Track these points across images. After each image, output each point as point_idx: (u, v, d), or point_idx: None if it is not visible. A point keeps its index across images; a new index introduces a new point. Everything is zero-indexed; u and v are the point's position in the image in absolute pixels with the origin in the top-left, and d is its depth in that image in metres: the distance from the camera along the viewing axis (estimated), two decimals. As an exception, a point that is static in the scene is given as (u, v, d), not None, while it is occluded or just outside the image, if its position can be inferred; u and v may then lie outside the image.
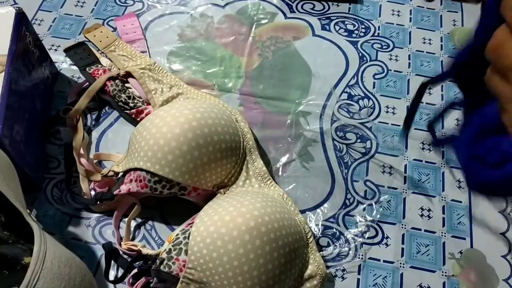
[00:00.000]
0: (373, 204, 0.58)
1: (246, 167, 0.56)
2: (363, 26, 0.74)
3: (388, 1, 0.77)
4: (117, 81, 0.62)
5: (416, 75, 0.69)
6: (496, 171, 0.38)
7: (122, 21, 0.72)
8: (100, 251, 0.53)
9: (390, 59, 0.71)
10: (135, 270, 0.49)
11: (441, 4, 0.78)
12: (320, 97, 0.66)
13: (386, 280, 0.53)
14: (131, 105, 0.62)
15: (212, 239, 0.44)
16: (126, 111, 0.62)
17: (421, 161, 0.62)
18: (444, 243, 0.56)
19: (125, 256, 0.53)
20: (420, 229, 0.56)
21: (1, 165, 0.44)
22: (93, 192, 0.56)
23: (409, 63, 0.71)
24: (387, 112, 0.66)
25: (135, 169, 0.51)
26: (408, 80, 0.69)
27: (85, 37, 0.69)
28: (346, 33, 0.73)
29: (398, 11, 0.76)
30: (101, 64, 0.65)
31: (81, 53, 0.66)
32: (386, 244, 0.55)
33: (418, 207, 0.58)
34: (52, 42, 0.70)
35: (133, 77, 0.63)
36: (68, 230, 0.55)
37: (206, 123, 0.51)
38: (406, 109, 0.66)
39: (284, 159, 0.61)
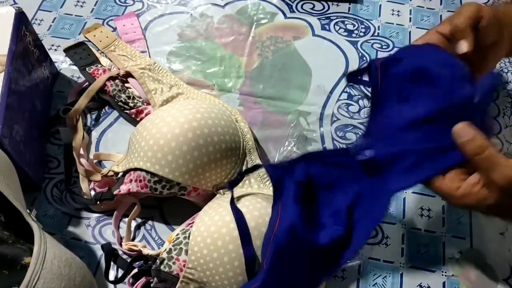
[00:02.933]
0: (373, 204, 0.58)
1: (246, 167, 0.56)
2: (363, 26, 0.74)
3: (388, 1, 0.77)
4: (117, 81, 0.62)
5: (416, 75, 0.69)
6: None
7: (122, 21, 0.72)
8: (100, 251, 0.53)
9: (390, 59, 0.71)
10: (135, 270, 0.49)
11: (441, 4, 0.78)
12: (320, 97, 0.66)
13: (386, 280, 0.53)
14: (131, 105, 0.62)
15: (213, 239, 0.44)
16: (126, 111, 0.62)
17: (421, 161, 0.62)
18: (444, 243, 0.56)
19: (125, 256, 0.53)
20: (420, 229, 0.56)
21: (1, 165, 0.44)
22: (93, 192, 0.56)
23: (409, 63, 0.71)
24: (387, 112, 0.65)
25: (135, 169, 0.51)
26: (408, 80, 0.69)
27: (85, 37, 0.69)
28: (346, 33, 0.73)
29: (398, 11, 0.76)
30: (101, 64, 0.65)
31: (81, 53, 0.66)
32: (386, 244, 0.55)
33: (418, 207, 0.58)
34: (52, 42, 0.70)
35: (133, 77, 0.63)
36: (68, 230, 0.55)
37: (206, 123, 0.51)
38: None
39: (284, 159, 0.61)
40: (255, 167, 0.45)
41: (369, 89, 0.61)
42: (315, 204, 0.45)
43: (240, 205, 0.47)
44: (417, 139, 0.45)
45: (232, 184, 0.45)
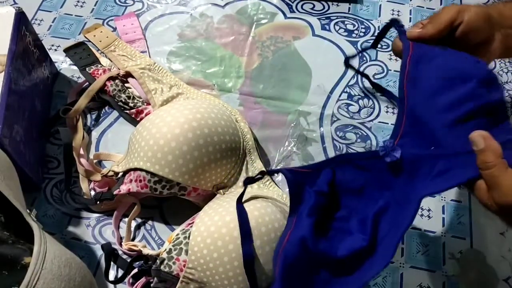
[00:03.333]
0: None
1: (246, 167, 0.56)
2: (363, 26, 0.74)
3: (388, 1, 0.77)
4: (117, 81, 0.62)
5: (416, 75, 0.69)
6: None
7: (122, 21, 0.72)
8: (100, 251, 0.53)
9: (390, 59, 0.71)
10: (135, 270, 0.49)
11: (441, 4, 0.78)
12: (320, 97, 0.66)
13: (386, 280, 0.53)
14: (131, 105, 0.62)
15: (213, 239, 0.44)
16: (126, 111, 0.62)
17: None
18: (444, 243, 0.56)
19: (125, 256, 0.53)
20: (420, 229, 0.56)
21: (1, 165, 0.44)
22: (93, 192, 0.56)
23: (409, 63, 0.71)
24: (387, 112, 0.65)
25: (135, 169, 0.51)
26: (408, 80, 0.69)
27: (85, 37, 0.69)
28: (346, 33, 0.73)
29: (398, 11, 0.76)
30: (101, 64, 0.65)
31: (81, 53, 0.66)
32: (386, 244, 0.55)
33: (418, 207, 0.58)
34: (52, 42, 0.70)
35: (133, 77, 0.63)
36: (68, 230, 0.55)
37: (206, 124, 0.51)
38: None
39: (284, 159, 0.61)
40: (277, 170, 0.43)
41: (367, 88, 0.61)
42: (339, 211, 0.43)
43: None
44: (449, 140, 0.42)
45: (249, 181, 0.45)
